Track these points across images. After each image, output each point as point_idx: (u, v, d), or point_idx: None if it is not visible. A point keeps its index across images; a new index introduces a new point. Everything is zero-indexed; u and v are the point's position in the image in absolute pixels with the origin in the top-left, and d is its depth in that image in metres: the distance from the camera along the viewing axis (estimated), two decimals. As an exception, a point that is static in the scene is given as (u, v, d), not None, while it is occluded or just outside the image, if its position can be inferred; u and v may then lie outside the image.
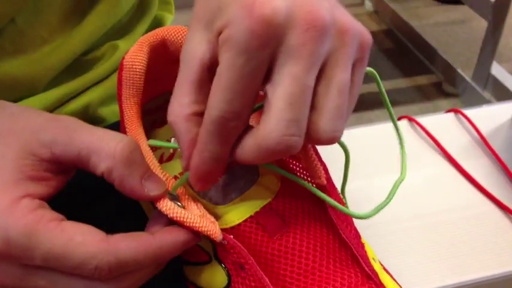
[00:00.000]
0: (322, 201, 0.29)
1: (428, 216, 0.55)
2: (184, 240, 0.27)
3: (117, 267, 0.25)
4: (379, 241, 0.52)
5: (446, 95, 1.72)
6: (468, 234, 0.53)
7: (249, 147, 0.26)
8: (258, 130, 0.25)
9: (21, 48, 0.40)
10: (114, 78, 0.42)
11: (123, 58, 0.33)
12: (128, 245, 0.26)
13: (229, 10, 0.24)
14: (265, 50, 0.24)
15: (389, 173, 0.59)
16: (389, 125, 0.63)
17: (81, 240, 0.25)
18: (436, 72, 1.84)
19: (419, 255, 0.51)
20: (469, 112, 0.68)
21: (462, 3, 1.71)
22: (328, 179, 0.31)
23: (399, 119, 0.68)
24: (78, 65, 0.45)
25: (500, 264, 0.51)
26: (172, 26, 0.34)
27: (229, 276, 0.28)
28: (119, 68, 0.33)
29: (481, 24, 1.57)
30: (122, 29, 0.48)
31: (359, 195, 0.56)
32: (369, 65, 0.30)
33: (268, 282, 0.26)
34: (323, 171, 0.29)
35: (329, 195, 0.29)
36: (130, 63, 0.32)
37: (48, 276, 0.26)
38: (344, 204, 0.30)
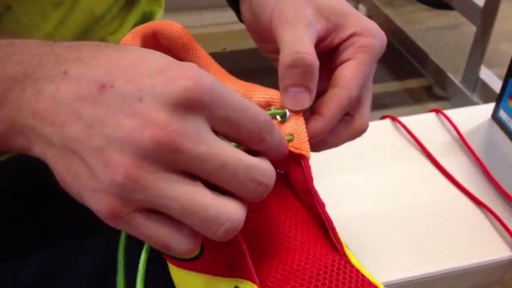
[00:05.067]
0: (303, 177, 0.32)
1: (406, 210, 0.58)
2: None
3: (274, 126, 0.28)
4: (358, 233, 0.55)
5: (437, 98, 1.75)
6: (444, 227, 0.56)
7: (347, 133, 0.36)
8: (355, 122, 0.36)
9: (17, 35, 0.43)
10: None
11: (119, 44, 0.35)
12: None
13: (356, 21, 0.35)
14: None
15: (362, 170, 0.62)
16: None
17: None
18: (426, 75, 1.87)
19: (397, 247, 0.54)
20: (450, 112, 0.71)
21: (454, 9, 1.74)
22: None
23: (383, 118, 0.71)
24: None
25: (474, 256, 0.53)
26: (163, 20, 0.37)
27: (202, 244, 0.30)
28: None
29: (472, 30, 1.60)
30: (111, 23, 0.51)
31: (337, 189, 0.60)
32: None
33: (245, 249, 0.29)
34: (308, 145, 0.32)
35: (309, 169, 0.32)
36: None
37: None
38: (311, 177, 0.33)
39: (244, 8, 0.40)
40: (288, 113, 0.33)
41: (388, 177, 0.62)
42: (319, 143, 0.35)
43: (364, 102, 0.36)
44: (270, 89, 0.34)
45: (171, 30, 0.36)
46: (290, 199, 0.33)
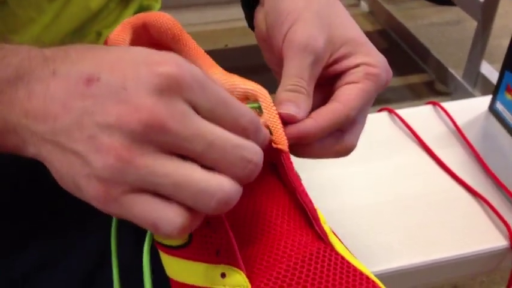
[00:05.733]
0: (284, 171, 0.32)
1: (401, 200, 0.58)
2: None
3: (258, 129, 0.29)
4: (354, 223, 0.56)
5: (438, 93, 1.75)
6: (438, 217, 0.56)
7: (334, 149, 0.36)
8: (345, 139, 0.36)
9: (14, 29, 0.44)
10: None
11: (107, 37, 0.36)
12: None
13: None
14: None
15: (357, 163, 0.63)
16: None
17: None
18: (428, 71, 1.87)
19: (393, 236, 0.55)
20: (446, 104, 0.71)
21: (455, 5, 1.74)
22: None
23: (380, 110, 0.71)
24: None
25: (468, 245, 0.54)
26: (153, 11, 0.37)
27: (190, 233, 0.30)
28: (104, 44, 0.36)
29: (474, 25, 1.60)
30: (107, 17, 0.52)
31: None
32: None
33: (232, 236, 0.29)
34: (285, 139, 0.32)
35: (290, 162, 0.32)
36: (114, 42, 0.35)
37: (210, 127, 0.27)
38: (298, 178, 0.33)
39: (259, 15, 0.41)
40: (262, 107, 0.33)
41: (384, 168, 0.62)
42: (304, 150, 0.36)
43: (358, 124, 0.37)
44: (248, 81, 0.35)
45: (161, 21, 0.36)
46: (277, 189, 0.33)
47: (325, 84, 0.37)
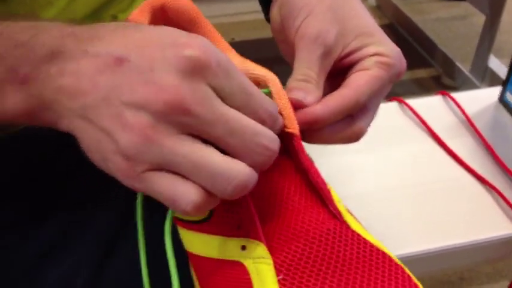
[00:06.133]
0: (296, 154, 0.33)
1: (411, 187, 0.59)
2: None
3: (277, 118, 0.30)
4: (365, 208, 0.56)
5: (445, 87, 1.75)
6: (448, 205, 0.57)
7: (345, 134, 0.36)
8: (355, 124, 0.36)
9: (32, 11, 0.45)
10: None
11: (126, 19, 0.36)
12: None
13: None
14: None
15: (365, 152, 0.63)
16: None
17: None
18: (435, 65, 1.87)
19: (403, 222, 0.55)
20: (456, 95, 0.72)
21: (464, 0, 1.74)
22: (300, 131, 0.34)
23: (390, 100, 0.72)
24: None
25: (478, 232, 0.54)
26: None
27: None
28: None
29: (482, 20, 1.60)
30: (123, 1, 0.52)
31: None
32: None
33: (254, 211, 0.30)
34: (296, 123, 0.33)
35: (300, 144, 0.33)
36: (132, 21, 0.36)
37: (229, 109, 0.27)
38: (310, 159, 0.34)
39: (274, 8, 0.41)
40: (272, 92, 0.34)
41: (394, 156, 0.63)
42: (314, 135, 0.36)
43: (369, 110, 0.37)
44: (260, 67, 0.35)
45: (178, 4, 0.37)
46: (289, 170, 0.34)
47: (339, 77, 0.38)
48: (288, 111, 0.33)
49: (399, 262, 0.31)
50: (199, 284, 0.34)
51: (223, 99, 0.27)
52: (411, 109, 0.69)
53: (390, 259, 0.30)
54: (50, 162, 0.47)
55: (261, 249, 0.30)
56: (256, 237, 0.30)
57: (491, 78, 1.55)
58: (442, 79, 1.80)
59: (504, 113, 0.70)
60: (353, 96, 0.35)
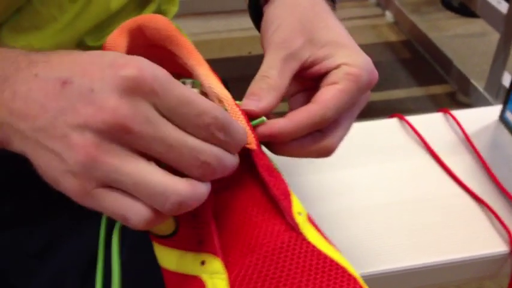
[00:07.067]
0: (255, 167, 0.34)
1: (404, 203, 0.60)
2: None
3: (227, 128, 0.30)
4: (357, 223, 0.57)
5: (460, 104, 1.75)
6: (441, 222, 0.58)
7: (313, 149, 0.37)
8: (324, 140, 0.37)
9: (36, 25, 0.47)
10: None
11: (105, 41, 0.38)
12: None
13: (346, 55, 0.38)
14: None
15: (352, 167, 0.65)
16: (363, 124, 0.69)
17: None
18: (450, 82, 1.87)
19: (395, 237, 0.56)
20: (458, 113, 0.72)
21: (479, 17, 1.74)
22: (258, 145, 0.36)
23: (391, 116, 0.73)
24: (84, 49, 0.51)
25: (469, 249, 0.55)
26: (149, 14, 0.39)
27: (177, 222, 0.33)
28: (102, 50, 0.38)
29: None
30: (125, 18, 0.55)
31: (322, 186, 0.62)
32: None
33: (213, 226, 0.32)
34: (254, 139, 0.34)
35: (259, 158, 0.34)
36: (111, 45, 0.37)
37: (169, 126, 0.28)
38: (273, 166, 0.35)
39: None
40: (227, 110, 0.35)
41: (391, 172, 0.64)
42: (282, 148, 0.37)
43: (341, 126, 0.38)
44: (219, 84, 0.37)
45: (155, 23, 0.38)
46: (250, 182, 0.35)
47: (311, 90, 0.39)
48: (244, 127, 0.34)
49: (357, 276, 0.32)
50: None
51: (164, 115, 0.29)
52: (411, 126, 0.70)
53: (343, 270, 0.31)
54: None
55: (217, 265, 0.31)
56: (214, 253, 0.31)
57: (505, 93, 1.55)
58: (456, 96, 1.80)
59: (504, 131, 0.70)
60: (319, 111, 0.36)
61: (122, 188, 0.28)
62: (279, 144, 0.37)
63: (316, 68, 0.38)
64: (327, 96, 0.36)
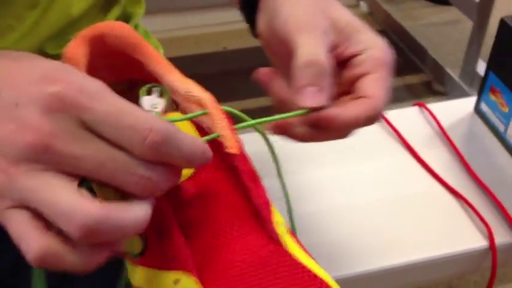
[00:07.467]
0: (238, 175, 0.33)
1: (382, 201, 0.59)
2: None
3: (168, 140, 0.27)
4: (334, 223, 0.56)
5: (435, 93, 1.76)
6: (420, 218, 0.57)
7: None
8: (372, 101, 0.36)
9: None
10: None
11: (64, 51, 0.36)
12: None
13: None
14: None
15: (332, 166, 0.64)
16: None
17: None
18: (426, 71, 1.88)
19: (372, 237, 0.55)
20: (432, 106, 0.72)
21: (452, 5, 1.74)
22: (241, 149, 0.34)
23: (366, 112, 0.72)
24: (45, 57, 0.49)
25: (449, 245, 0.54)
26: (110, 21, 0.37)
27: (145, 241, 0.31)
28: (62, 60, 0.36)
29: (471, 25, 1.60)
30: (88, 24, 0.53)
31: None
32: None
33: (183, 244, 0.30)
34: (236, 143, 0.33)
35: (242, 164, 0.33)
36: (71, 54, 0.35)
37: (97, 141, 0.26)
38: (255, 172, 0.34)
39: (261, 22, 0.41)
40: (210, 114, 0.34)
41: (367, 169, 0.63)
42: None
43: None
44: (199, 88, 0.35)
45: (119, 31, 0.36)
46: (231, 193, 0.34)
47: (334, 71, 0.37)
48: (227, 131, 0.33)
49: (334, 284, 0.31)
50: None
51: (94, 130, 0.27)
52: (386, 120, 0.69)
53: (322, 281, 0.30)
54: None
55: (191, 283, 0.30)
56: (188, 270, 0.30)
57: (479, 84, 1.56)
58: (432, 85, 1.80)
59: (479, 123, 0.70)
60: (373, 105, 0.36)
61: (32, 208, 0.26)
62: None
63: (339, 51, 0.38)
64: (375, 90, 0.36)
